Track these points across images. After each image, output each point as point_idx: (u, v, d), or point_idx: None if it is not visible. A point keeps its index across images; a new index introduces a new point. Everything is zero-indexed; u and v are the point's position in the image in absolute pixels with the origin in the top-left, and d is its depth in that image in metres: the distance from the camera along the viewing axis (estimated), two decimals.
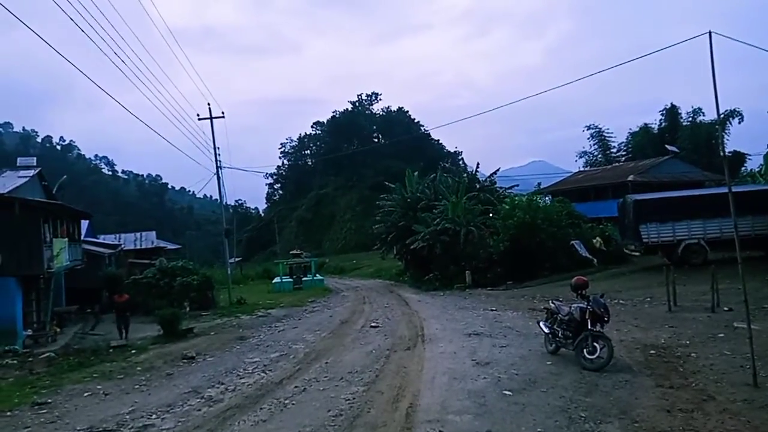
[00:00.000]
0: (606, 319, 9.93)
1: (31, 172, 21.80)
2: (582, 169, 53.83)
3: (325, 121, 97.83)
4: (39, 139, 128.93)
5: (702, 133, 46.07)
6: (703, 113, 48.85)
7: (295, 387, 9.91)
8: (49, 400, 10.18)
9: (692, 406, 7.28)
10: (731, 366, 9.13)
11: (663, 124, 52.61)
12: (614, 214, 29.00)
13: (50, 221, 20.81)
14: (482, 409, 7.73)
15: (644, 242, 24.69)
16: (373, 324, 17.50)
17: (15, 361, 14.77)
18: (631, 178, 35.21)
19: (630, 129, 55.48)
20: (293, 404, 8.77)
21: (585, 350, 9.70)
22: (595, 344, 9.63)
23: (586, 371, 9.34)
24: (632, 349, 10.89)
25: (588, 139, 57.21)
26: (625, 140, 55.35)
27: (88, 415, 9.00)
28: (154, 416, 8.63)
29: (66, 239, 22.49)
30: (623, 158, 52.85)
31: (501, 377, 9.38)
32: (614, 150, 56.23)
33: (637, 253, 28.30)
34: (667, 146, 40.21)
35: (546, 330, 11.07)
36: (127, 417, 8.63)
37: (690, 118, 50.27)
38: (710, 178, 36.57)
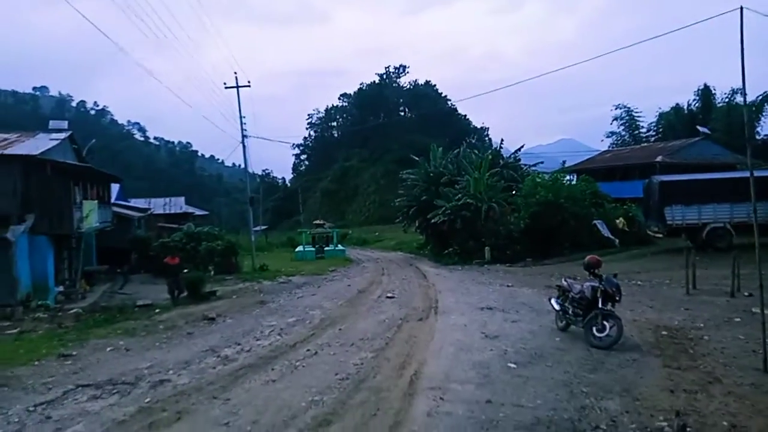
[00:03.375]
0: (617, 298, 9.90)
1: (63, 135, 22.40)
2: (610, 148, 52.62)
3: (352, 93, 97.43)
4: (74, 104, 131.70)
5: (737, 114, 44.37)
6: (740, 94, 46.98)
7: (307, 350, 10.21)
8: (74, 353, 10.72)
9: (697, 387, 7.28)
10: (743, 350, 9.04)
11: (696, 104, 50.80)
12: (640, 195, 28.46)
13: (81, 183, 21.49)
14: (485, 379, 7.88)
15: (668, 224, 24.24)
16: (389, 294, 17.74)
17: (46, 315, 15.51)
18: (659, 158, 34.31)
19: (660, 109, 53.78)
20: (303, 366, 9.07)
21: (594, 328, 9.70)
22: (604, 323, 9.63)
23: (593, 349, 9.37)
24: (644, 329, 10.85)
25: (616, 119, 55.69)
26: (654, 120, 53.70)
27: (109, 368, 9.46)
28: (171, 372, 9.02)
29: (96, 201, 23.23)
30: (653, 139, 51.41)
31: (508, 350, 9.49)
32: (643, 130, 54.66)
33: (660, 235, 27.79)
34: (698, 127, 38.91)
35: (557, 307, 11.09)
36: (146, 371, 9.05)
37: (726, 99, 48.42)
38: (742, 162, 35.36)
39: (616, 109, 55.51)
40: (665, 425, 5.97)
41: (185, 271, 19.86)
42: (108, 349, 11.13)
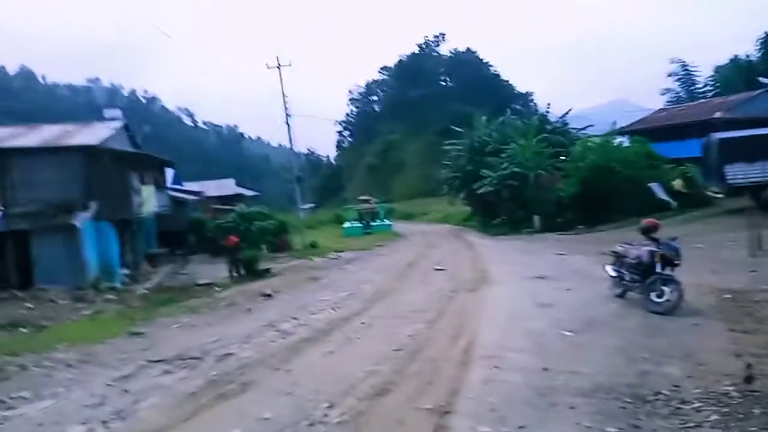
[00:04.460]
0: (677, 262, 9.58)
1: (118, 124, 23.32)
2: (664, 107, 50.13)
3: (392, 66, 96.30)
4: (125, 93, 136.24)
5: None
6: None
7: (361, 323, 10.45)
8: (143, 331, 11.35)
9: (764, 351, 7.01)
10: None
11: (758, 55, 47.40)
12: (698, 155, 27.09)
13: (137, 170, 22.42)
14: (540, 347, 7.86)
15: (729, 184, 23.07)
16: (438, 267, 17.81)
17: (115, 297, 16.44)
18: (717, 115, 32.39)
19: (719, 63, 50.67)
20: (358, 338, 9.31)
21: (652, 294, 9.44)
22: (663, 288, 9.34)
23: (652, 315, 9.15)
24: (705, 293, 10.49)
25: (671, 75, 52.89)
26: (712, 75, 50.64)
27: (177, 344, 9.97)
28: (234, 346, 9.44)
29: (152, 186, 24.19)
30: (710, 95, 48.55)
31: (562, 318, 9.40)
32: (700, 86, 51.73)
33: (720, 196, 26.52)
34: (760, 79, 36.40)
35: (612, 273, 10.86)
36: (211, 346, 9.49)
37: None
38: None
39: (671, 63, 52.78)
40: (731, 389, 5.81)
41: (240, 251, 20.56)
42: (174, 326, 11.75)
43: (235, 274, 18.87)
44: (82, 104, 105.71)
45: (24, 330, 12.17)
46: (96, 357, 9.42)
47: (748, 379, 5.92)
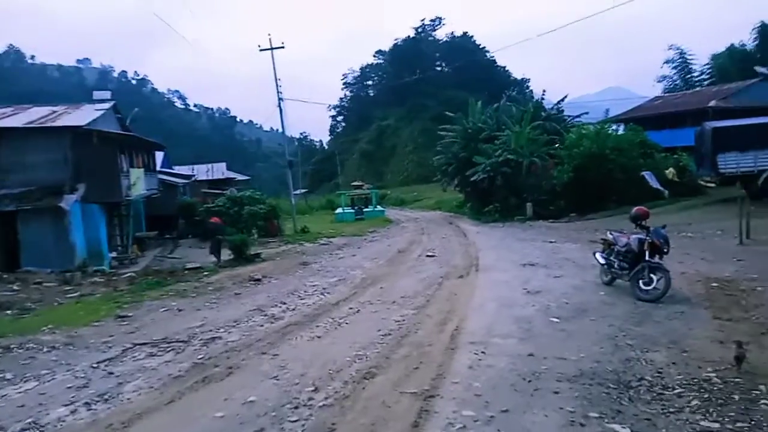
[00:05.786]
0: (666, 250, 9.61)
1: (107, 105, 23.03)
2: (660, 94, 50.07)
3: (387, 50, 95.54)
4: (115, 74, 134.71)
5: None
6: None
7: (350, 308, 10.43)
8: (130, 314, 11.28)
9: (749, 338, 7.02)
10: None
11: (753, 44, 47.32)
12: (692, 143, 27.13)
13: (127, 152, 22.17)
14: (527, 334, 7.87)
15: (721, 173, 23.14)
16: (429, 253, 17.80)
17: (102, 280, 16.33)
18: (712, 103, 32.40)
19: (715, 51, 50.59)
20: (347, 323, 9.28)
21: (641, 281, 9.48)
22: (651, 275, 9.38)
23: (640, 302, 9.18)
24: (693, 281, 10.54)
25: (667, 62, 52.74)
26: (708, 63, 50.56)
27: (164, 327, 9.93)
28: (221, 330, 9.40)
29: (142, 169, 23.96)
30: (706, 83, 48.51)
31: (550, 305, 9.42)
32: (696, 74, 51.67)
33: (713, 185, 26.60)
34: (756, 68, 36.37)
35: (602, 261, 10.88)
36: (198, 330, 9.46)
37: None
38: None
39: (668, 50, 52.61)
40: (713, 376, 5.85)
41: (224, 233, 20.28)
42: (161, 309, 11.68)
43: (216, 257, 18.61)
44: (72, 85, 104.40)
45: (9, 312, 12.09)
46: (81, 339, 9.36)
47: (738, 359, 6.00)
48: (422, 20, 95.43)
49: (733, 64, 45.99)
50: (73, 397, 6.48)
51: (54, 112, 21.31)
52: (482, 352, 7.08)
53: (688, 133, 28.93)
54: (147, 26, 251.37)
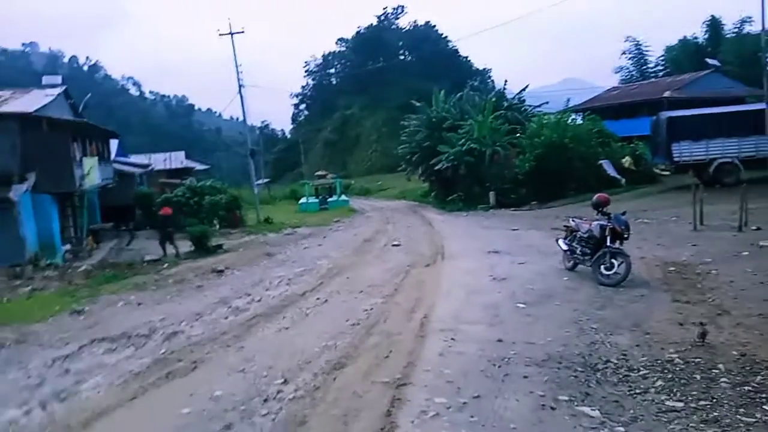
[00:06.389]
0: (626, 236, 9.86)
1: (57, 91, 21.94)
2: (617, 85, 51.44)
3: (350, 38, 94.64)
4: (65, 60, 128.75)
5: (749, 45, 42.96)
6: (751, 22, 45.23)
7: (317, 299, 10.31)
8: (87, 309, 10.83)
9: (706, 319, 7.28)
10: (751, 283, 9.04)
11: (704, 37, 49.12)
12: (648, 133, 28.00)
13: (79, 140, 21.23)
14: (495, 320, 7.95)
15: (675, 161, 23.98)
16: (395, 242, 17.79)
17: (55, 273, 15.64)
18: (667, 94, 33.54)
19: (669, 43, 52.29)
20: (314, 314, 9.18)
21: (602, 266, 9.71)
22: (612, 260, 9.62)
23: (602, 287, 9.41)
24: (652, 266, 10.87)
25: (624, 53, 54.17)
26: (662, 55, 52.23)
27: (123, 322, 9.58)
28: (183, 324, 9.13)
29: (96, 158, 23.00)
30: (661, 74, 50.13)
31: (516, 292, 9.54)
32: (651, 65, 53.29)
33: (667, 173, 27.57)
34: (707, 60, 37.79)
35: (564, 247, 11.08)
36: (159, 324, 9.15)
37: (736, 29, 46.76)
38: (753, 94, 34.50)
39: (624, 41, 53.97)
40: (675, 357, 6.02)
41: (174, 224, 19.68)
42: (120, 303, 11.27)
43: (163, 250, 18.02)
44: (17, 70, 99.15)
45: None
46: (35, 336, 8.94)
47: (702, 336, 6.36)
48: (384, 8, 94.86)
49: (686, 56, 47.64)
50: (27, 397, 6.18)
51: (1, 97, 20.17)
52: (452, 339, 7.10)
53: (644, 122, 29.86)
54: (98, 9, 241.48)
